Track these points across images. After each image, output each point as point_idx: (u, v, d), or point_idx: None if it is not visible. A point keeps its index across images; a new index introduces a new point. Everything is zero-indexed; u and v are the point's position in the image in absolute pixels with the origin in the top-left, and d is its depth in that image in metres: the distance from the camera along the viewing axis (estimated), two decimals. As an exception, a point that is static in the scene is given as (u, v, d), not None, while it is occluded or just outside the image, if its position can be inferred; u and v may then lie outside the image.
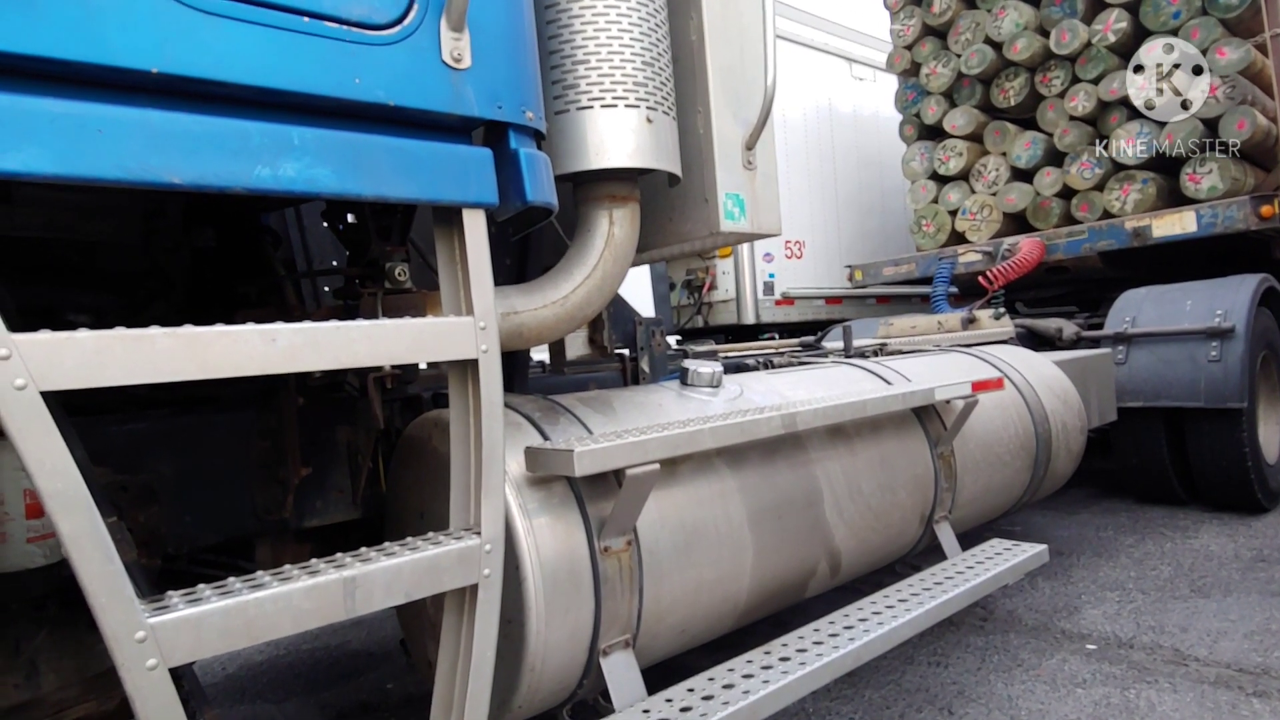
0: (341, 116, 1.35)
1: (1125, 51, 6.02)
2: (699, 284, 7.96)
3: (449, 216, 1.53)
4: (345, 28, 1.33)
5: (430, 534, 1.49)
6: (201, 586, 1.23)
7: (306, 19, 1.29)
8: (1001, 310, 5.44)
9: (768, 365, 3.41)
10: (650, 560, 1.96)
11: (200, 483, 2.10)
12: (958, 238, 6.92)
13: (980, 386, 3.01)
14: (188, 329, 1.17)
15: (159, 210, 2.23)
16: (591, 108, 1.94)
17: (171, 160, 1.16)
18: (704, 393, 2.48)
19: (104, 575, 1.07)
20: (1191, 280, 5.16)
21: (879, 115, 8.74)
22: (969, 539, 3.29)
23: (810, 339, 5.41)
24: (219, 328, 1.19)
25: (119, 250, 2.25)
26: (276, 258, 2.35)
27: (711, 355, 3.58)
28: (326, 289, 2.64)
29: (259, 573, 1.30)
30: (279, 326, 1.24)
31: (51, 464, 1.04)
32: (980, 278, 6.02)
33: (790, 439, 2.46)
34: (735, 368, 3.31)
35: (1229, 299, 4.83)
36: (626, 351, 3.04)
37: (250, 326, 1.22)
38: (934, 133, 7.20)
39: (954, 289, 6.60)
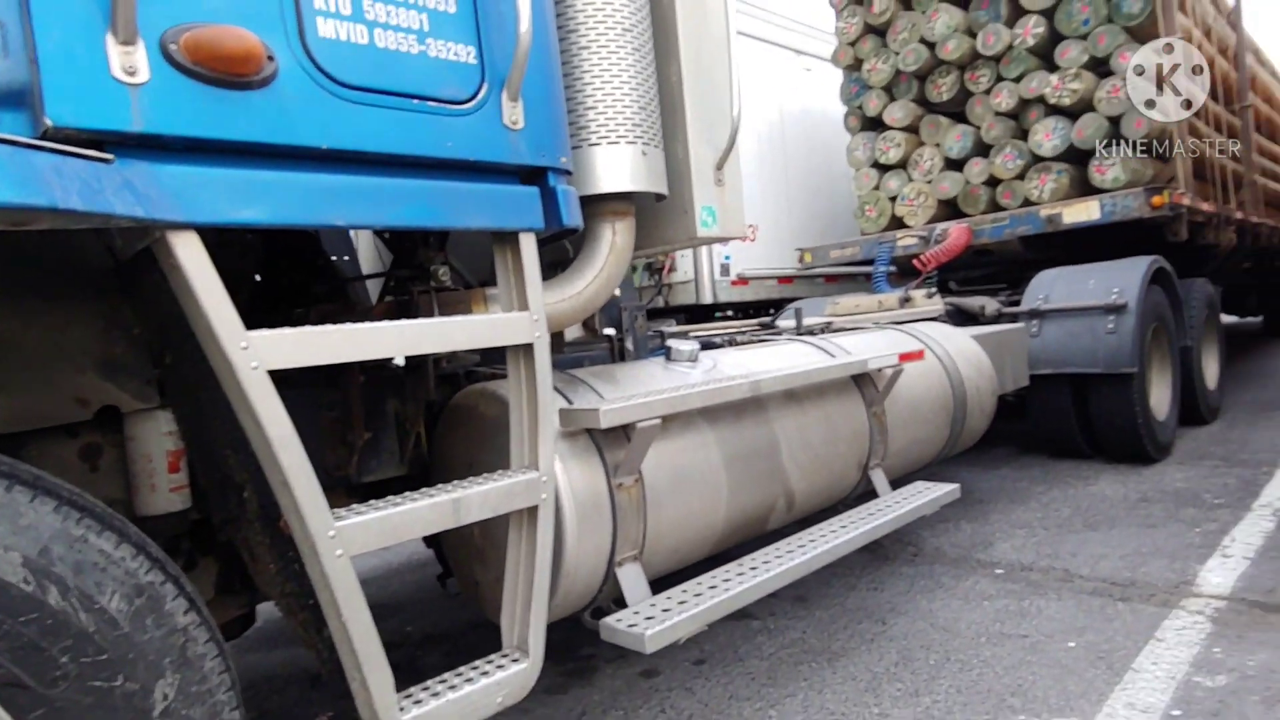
0: (439, 169, 1.86)
1: (1043, 53, 6.68)
2: (659, 266, 8.31)
3: (505, 238, 2.06)
4: (441, 104, 1.84)
5: (500, 470, 2.03)
6: (356, 505, 1.76)
7: (417, 100, 1.80)
8: (934, 290, 6.10)
9: (732, 342, 3.99)
10: (652, 494, 2.54)
11: None
12: (898, 222, 7.46)
13: (905, 357, 3.65)
14: (349, 325, 1.68)
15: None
16: (599, 145, 2.46)
17: (336, 208, 1.66)
18: (685, 365, 3.05)
19: (310, 492, 1.59)
20: (1099, 261, 5.84)
21: (827, 106, 9.26)
22: (899, 485, 3.95)
23: (767, 319, 6.02)
24: (369, 324, 1.71)
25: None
26: (336, 262, 2.83)
27: (684, 335, 4.15)
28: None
29: (397, 495, 1.82)
30: (406, 322, 1.76)
31: (276, 418, 1.55)
32: (915, 260, 6.65)
33: (755, 401, 3.05)
34: (705, 345, 3.88)
35: (1124, 278, 5.53)
36: (613, 332, 3.59)
37: (389, 323, 1.74)
38: (875, 124, 7.67)
39: (894, 269, 7.24)
